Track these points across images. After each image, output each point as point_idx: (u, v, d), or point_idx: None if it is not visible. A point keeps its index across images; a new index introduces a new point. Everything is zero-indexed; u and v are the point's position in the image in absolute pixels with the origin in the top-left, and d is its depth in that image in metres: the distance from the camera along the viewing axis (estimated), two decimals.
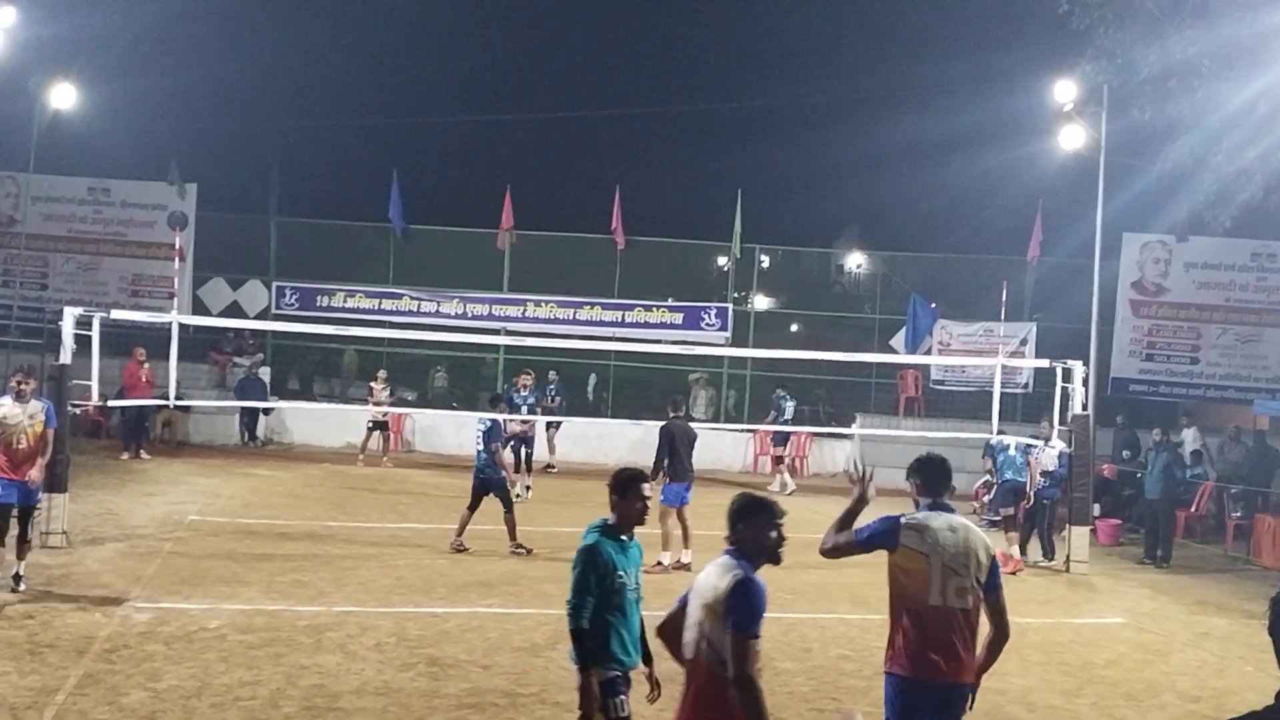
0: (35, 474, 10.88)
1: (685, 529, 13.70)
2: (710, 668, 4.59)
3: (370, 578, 12.19)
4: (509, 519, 14.08)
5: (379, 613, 10.63)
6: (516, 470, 18.86)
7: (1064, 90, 19.51)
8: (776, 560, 4.87)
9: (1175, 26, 18.78)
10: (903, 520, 5.83)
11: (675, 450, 13.74)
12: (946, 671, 5.54)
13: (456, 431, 23.65)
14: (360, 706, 7.92)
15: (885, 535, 5.80)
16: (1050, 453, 16.51)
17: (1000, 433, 17.19)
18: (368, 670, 8.75)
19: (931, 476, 6.12)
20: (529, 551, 13.91)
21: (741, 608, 4.56)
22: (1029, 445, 16.76)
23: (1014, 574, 14.57)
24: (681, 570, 13.49)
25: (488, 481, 14.16)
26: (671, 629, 5.04)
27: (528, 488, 19.30)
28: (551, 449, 22.76)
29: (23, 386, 10.97)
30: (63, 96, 21.49)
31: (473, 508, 14.10)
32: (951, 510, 6.01)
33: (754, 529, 4.85)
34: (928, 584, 5.64)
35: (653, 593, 12.26)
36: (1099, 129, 19.32)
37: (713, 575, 4.74)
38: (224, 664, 8.68)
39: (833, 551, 6.05)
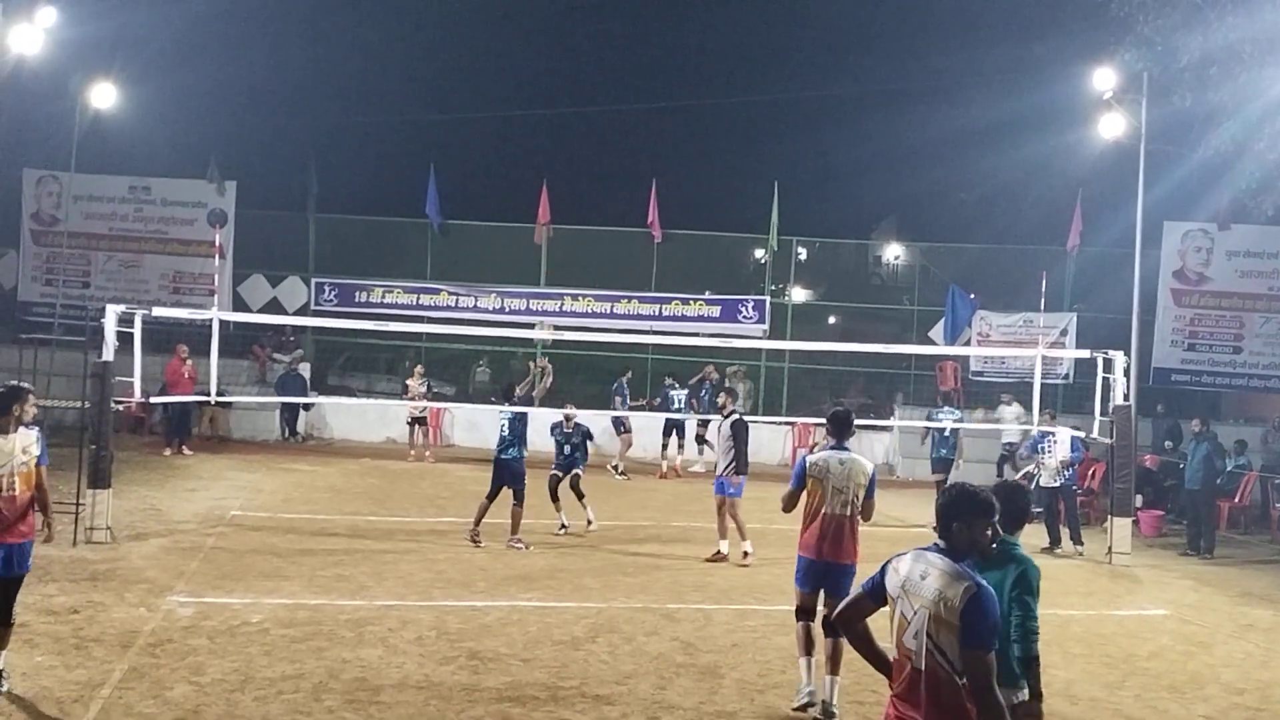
0: (27, 529, 7.93)
1: (739, 522, 13.79)
2: (949, 678, 4.39)
3: (410, 572, 12.25)
4: (516, 511, 14.05)
5: (419, 606, 10.68)
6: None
7: (1103, 78, 19.31)
8: (985, 556, 4.73)
9: (1216, 13, 18.61)
10: (807, 460, 8.73)
11: (745, 444, 13.81)
12: (833, 556, 8.38)
13: (497, 426, 23.66)
14: (401, 700, 7.96)
15: (800, 474, 8.66)
16: (1062, 444, 16.39)
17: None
18: (409, 664, 8.79)
19: (836, 425, 8.82)
20: (527, 547, 13.86)
21: (981, 625, 4.34)
22: (1042, 434, 16.69)
23: None
24: (721, 561, 13.61)
25: (509, 467, 14.16)
26: (858, 615, 4.83)
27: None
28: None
29: (24, 410, 7.97)
30: (103, 96, 21.66)
31: (491, 496, 14.10)
32: (846, 449, 8.70)
33: (969, 528, 4.63)
34: (823, 499, 8.48)
35: (744, 587, 12.29)
36: (1139, 117, 19.12)
37: (937, 582, 4.49)
38: (267, 658, 8.75)
39: (787, 502, 8.75)
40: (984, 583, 4.44)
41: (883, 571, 4.77)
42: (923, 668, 4.45)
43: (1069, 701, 8.80)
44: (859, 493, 8.45)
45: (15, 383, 8.30)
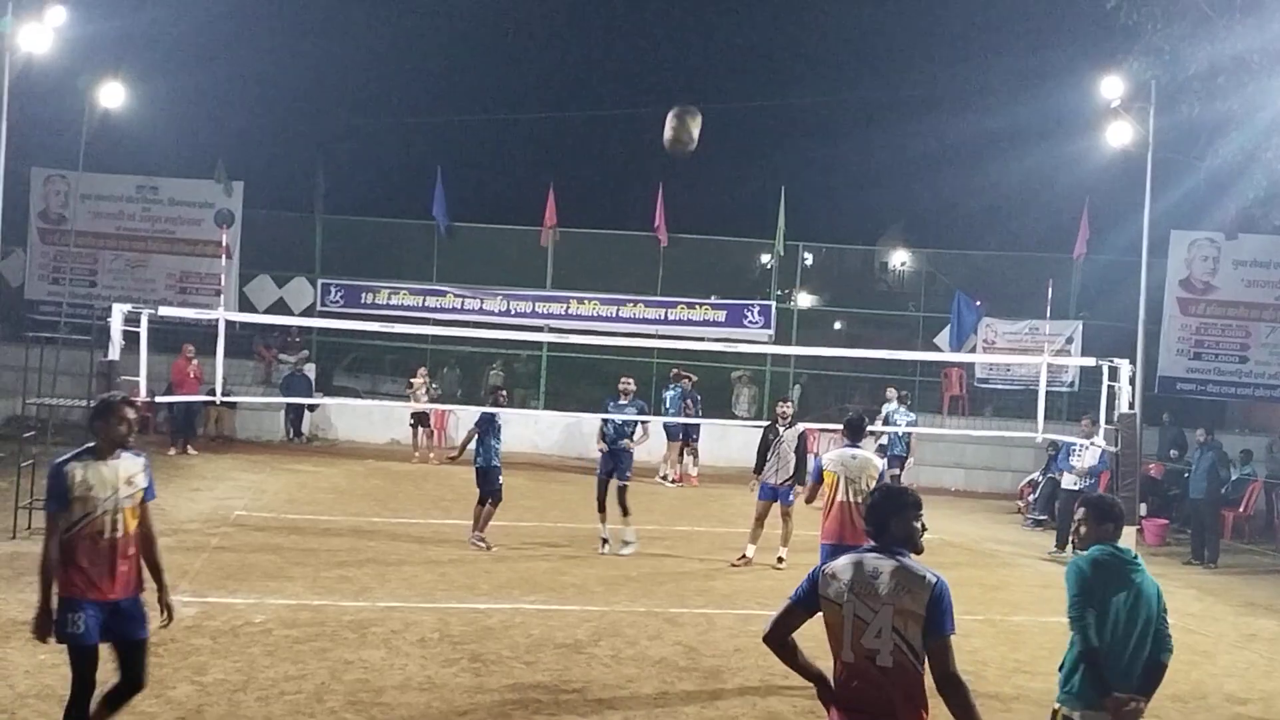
0: (137, 580, 6.35)
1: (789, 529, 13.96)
2: (914, 669, 4.57)
3: (414, 574, 12.26)
4: (487, 511, 14.00)
5: (422, 608, 10.69)
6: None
7: (1111, 86, 19.30)
8: (919, 551, 4.84)
9: (1225, 22, 18.59)
10: (824, 457, 10.28)
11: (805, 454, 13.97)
12: (853, 540, 8.67)
13: (502, 429, 23.70)
14: (404, 701, 7.96)
15: (818, 470, 10.24)
16: (1091, 450, 16.52)
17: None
18: (411, 665, 8.80)
19: (851, 429, 10.54)
20: (489, 548, 13.82)
21: (948, 613, 4.60)
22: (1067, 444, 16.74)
23: None
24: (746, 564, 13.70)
25: (484, 471, 14.04)
26: (790, 628, 4.85)
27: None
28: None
29: (127, 425, 6.27)
30: (112, 95, 21.69)
31: (482, 501, 14.09)
32: (859, 448, 10.25)
33: (904, 523, 4.81)
34: (840, 489, 9.75)
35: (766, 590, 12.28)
36: (1147, 125, 19.12)
37: (893, 579, 4.63)
38: (269, 658, 8.76)
39: (810, 494, 10.52)
40: (938, 574, 4.65)
41: (812, 581, 4.81)
42: (890, 664, 4.57)
43: None
44: (870, 484, 9.54)
45: (112, 393, 7.03)
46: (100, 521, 6.01)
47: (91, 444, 6.19)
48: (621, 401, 15.18)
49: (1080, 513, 5.97)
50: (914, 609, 4.56)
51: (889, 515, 4.82)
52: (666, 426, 21.66)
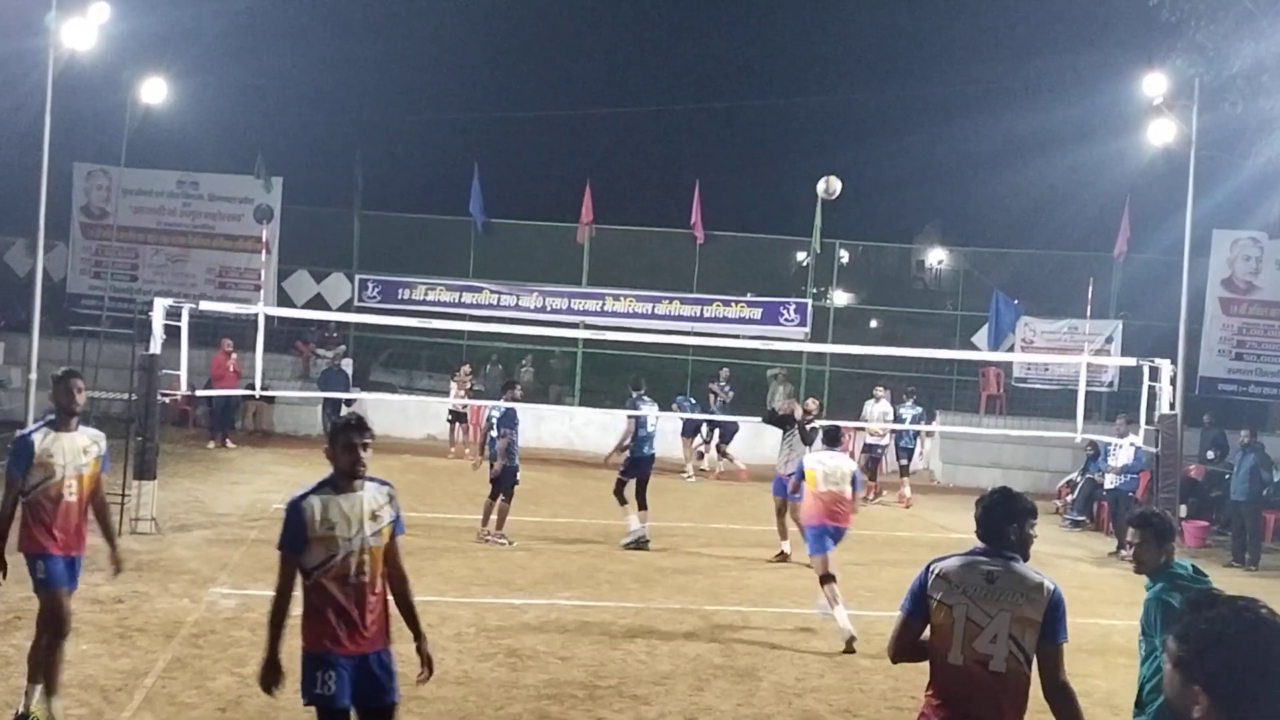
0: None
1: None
2: (1026, 674, 4.58)
3: (449, 568, 12.30)
4: (502, 507, 13.93)
5: (458, 603, 10.72)
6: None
7: (1154, 84, 19.13)
8: (1028, 558, 4.81)
9: (1269, 19, 18.41)
10: (805, 459, 11.59)
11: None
12: (833, 520, 10.83)
13: (535, 425, 23.81)
14: (440, 695, 7.99)
15: (800, 467, 11.50)
16: (1126, 449, 16.47)
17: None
18: (447, 660, 8.82)
19: (829, 436, 11.62)
20: (511, 544, 13.80)
21: (1063, 620, 4.62)
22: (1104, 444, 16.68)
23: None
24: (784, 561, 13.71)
25: (505, 467, 13.98)
26: (912, 642, 4.84)
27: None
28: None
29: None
30: (153, 91, 21.87)
31: (493, 496, 14.04)
32: (835, 452, 11.46)
33: (1022, 528, 4.79)
34: (819, 482, 10.93)
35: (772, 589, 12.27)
36: (1189, 124, 18.94)
37: (1011, 584, 4.61)
38: None
39: (793, 486, 12.02)
40: (1054, 580, 4.66)
41: (921, 584, 4.76)
42: (1003, 670, 4.53)
43: (1111, 711, 8.73)
44: (844, 478, 10.97)
45: (349, 414, 6.54)
46: (347, 562, 5.39)
47: (328, 477, 5.54)
48: (721, 385, 15.60)
49: (1135, 534, 5.68)
50: (1033, 615, 4.53)
51: (1007, 520, 4.76)
52: (685, 422, 21.97)
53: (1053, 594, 4.57)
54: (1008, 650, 4.51)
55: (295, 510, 5.43)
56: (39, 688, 7.00)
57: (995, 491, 4.89)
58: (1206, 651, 2.51)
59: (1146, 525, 5.64)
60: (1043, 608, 4.52)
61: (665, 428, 22.95)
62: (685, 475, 21.88)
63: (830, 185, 16.76)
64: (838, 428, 12.17)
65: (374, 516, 5.45)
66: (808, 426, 13.98)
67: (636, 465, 14.66)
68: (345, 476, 5.45)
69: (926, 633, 4.77)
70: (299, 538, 5.40)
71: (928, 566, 4.78)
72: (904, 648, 4.83)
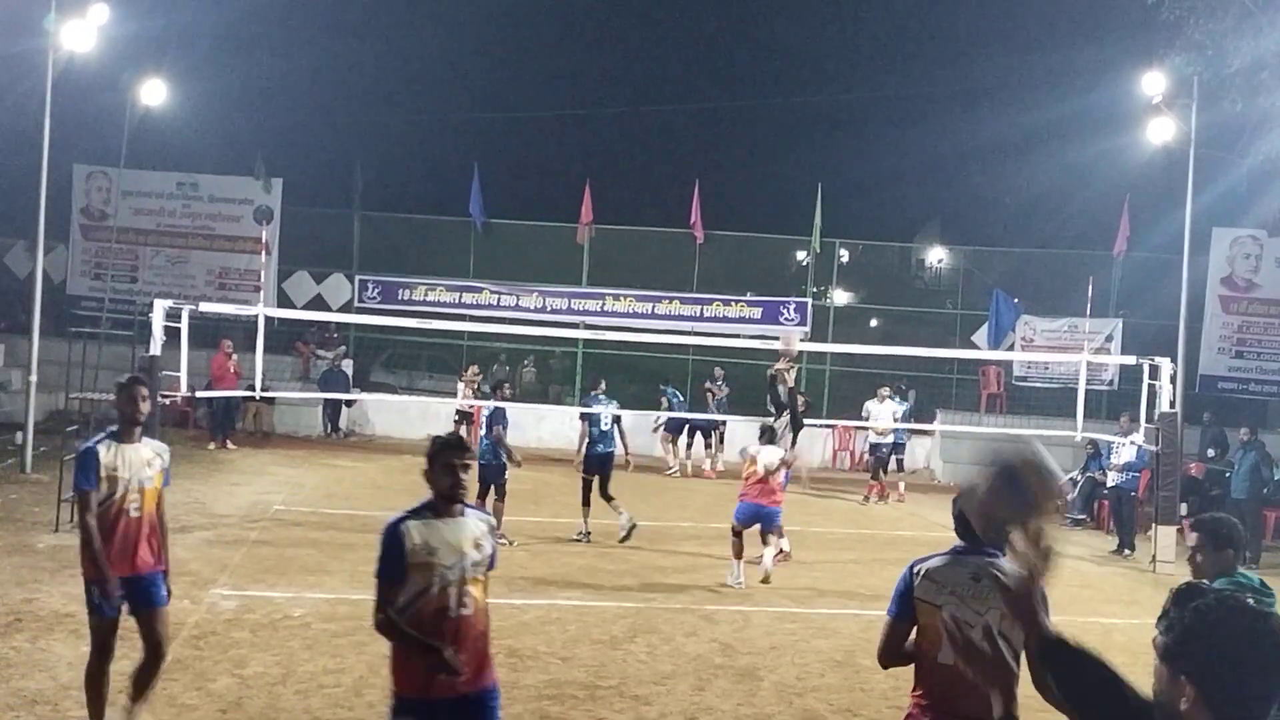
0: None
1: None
2: (1013, 669, 4.54)
3: None
4: (497, 506, 13.76)
5: None
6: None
7: (1153, 82, 19.13)
8: (1004, 553, 4.81)
9: (1268, 17, 18.42)
10: (749, 449, 12.86)
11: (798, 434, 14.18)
12: (760, 501, 12.52)
13: (535, 425, 23.83)
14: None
15: (742, 454, 13.07)
16: (1128, 447, 16.48)
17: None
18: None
19: (768, 436, 12.97)
20: (510, 543, 13.72)
21: (1048, 611, 4.58)
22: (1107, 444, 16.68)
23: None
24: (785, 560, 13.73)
25: (486, 468, 13.74)
26: (900, 643, 4.83)
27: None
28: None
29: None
30: (153, 93, 21.86)
31: (481, 496, 13.80)
32: (771, 445, 12.78)
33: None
34: (756, 468, 12.50)
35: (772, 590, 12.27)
36: (1188, 122, 18.94)
37: (995, 581, 4.52)
38: (308, 652, 8.81)
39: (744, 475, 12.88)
40: None
41: (906, 585, 4.72)
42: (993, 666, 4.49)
43: None
44: (771, 466, 12.50)
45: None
46: (446, 594, 5.04)
47: (428, 500, 5.25)
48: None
49: (1194, 538, 5.48)
50: None
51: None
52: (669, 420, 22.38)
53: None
54: (998, 646, 4.46)
55: (393, 534, 5.09)
56: (137, 704, 6.77)
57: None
58: (1191, 641, 2.53)
59: (1203, 529, 5.45)
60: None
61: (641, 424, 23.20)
62: (670, 470, 22.00)
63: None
64: (774, 428, 13.26)
65: (477, 545, 5.12)
66: (798, 401, 14.09)
67: (591, 463, 14.73)
68: (446, 500, 5.13)
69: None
70: (398, 564, 5.04)
71: (911, 568, 4.75)
72: (893, 651, 4.81)
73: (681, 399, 23.46)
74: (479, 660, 5.12)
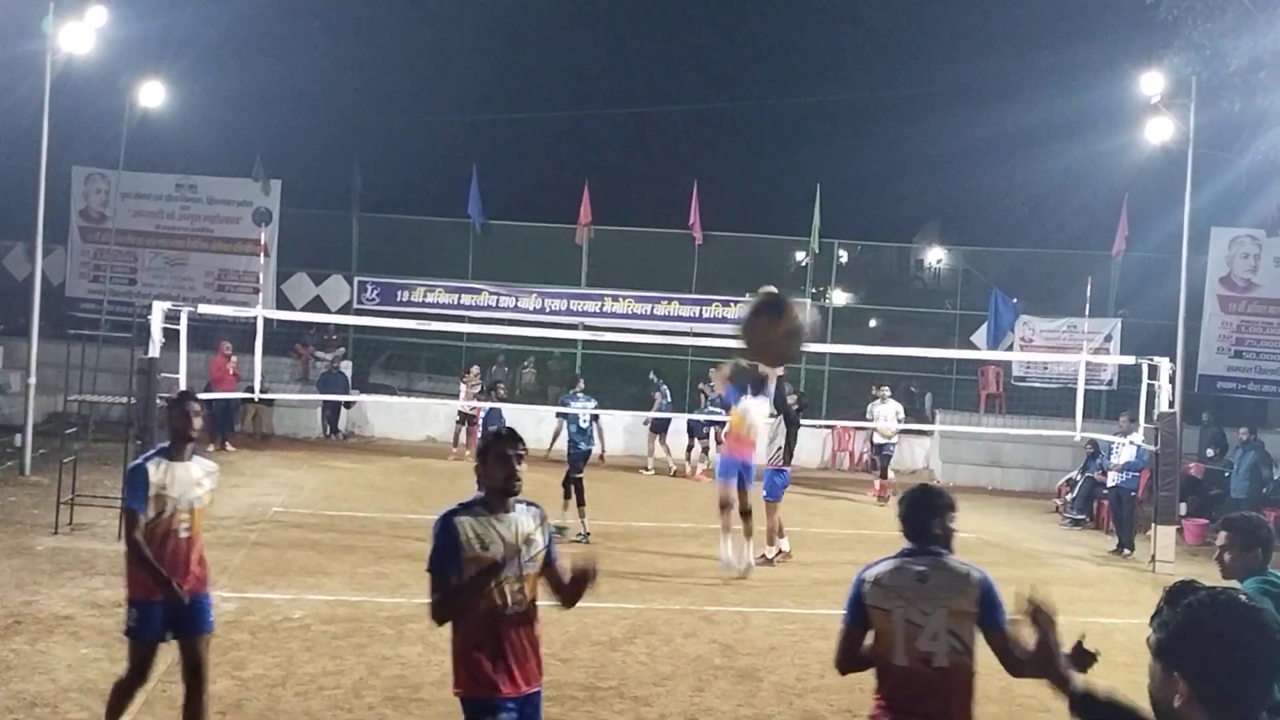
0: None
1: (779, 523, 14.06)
2: (969, 667, 4.63)
3: None
4: None
5: None
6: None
7: (1151, 82, 19.15)
8: (952, 550, 4.85)
9: (1266, 17, 18.44)
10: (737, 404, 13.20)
11: (796, 437, 14.31)
12: (738, 454, 13.09)
13: (535, 425, 23.78)
14: (441, 697, 7.98)
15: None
16: (1128, 447, 16.49)
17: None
18: (448, 662, 8.70)
19: (756, 388, 12.95)
20: None
21: (1000, 603, 4.62)
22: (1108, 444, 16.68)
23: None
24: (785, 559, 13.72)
25: None
26: (856, 650, 4.87)
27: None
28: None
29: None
30: (151, 95, 21.86)
31: None
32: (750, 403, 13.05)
33: (945, 522, 4.81)
34: (741, 423, 13.17)
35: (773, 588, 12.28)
36: (1187, 121, 18.95)
37: (943, 579, 4.66)
38: (308, 653, 8.81)
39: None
40: (980, 568, 4.70)
41: (857, 593, 4.79)
42: (946, 665, 4.58)
43: None
44: (759, 430, 13.10)
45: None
46: (503, 591, 4.87)
47: (479, 495, 5.00)
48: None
49: (1222, 537, 5.41)
50: (967, 607, 4.59)
51: (930, 516, 4.80)
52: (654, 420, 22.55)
53: (982, 581, 4.63)
54: (949, 645, 4.57)
55: (447, 526, 4.83)
56: None
57: (916, 489, 4.96)
58: (1184, 638, 2.57)
59: (1231, 528, 5.40)
60: (975, 598, 4.58)
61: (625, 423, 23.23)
62: (645, 470, 22.22)
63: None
64: (763, 377, 13.14)
65: (528, 541, 4.93)
66: (790, 402, 14.11)
67: (572, 460, 14.81)
68: (500, 494, 4.91)
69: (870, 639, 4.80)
70: (452, 559, 4.78)
71: (860, 576, 4.81)
72: (850, 657, 4.88)
73: (669, 399, 23.47)
74: (537, 659, 5.03)
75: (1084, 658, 4.30)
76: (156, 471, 6.34)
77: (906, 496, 4.93)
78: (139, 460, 6.50)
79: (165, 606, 6.27)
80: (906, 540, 4.82)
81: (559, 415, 15.37)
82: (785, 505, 14.11)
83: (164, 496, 6.31)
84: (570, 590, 5.10)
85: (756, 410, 13.09)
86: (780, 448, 13.81)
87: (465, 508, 4.90)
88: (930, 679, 4.58)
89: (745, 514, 12.91)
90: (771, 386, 13.51)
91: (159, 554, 6.28)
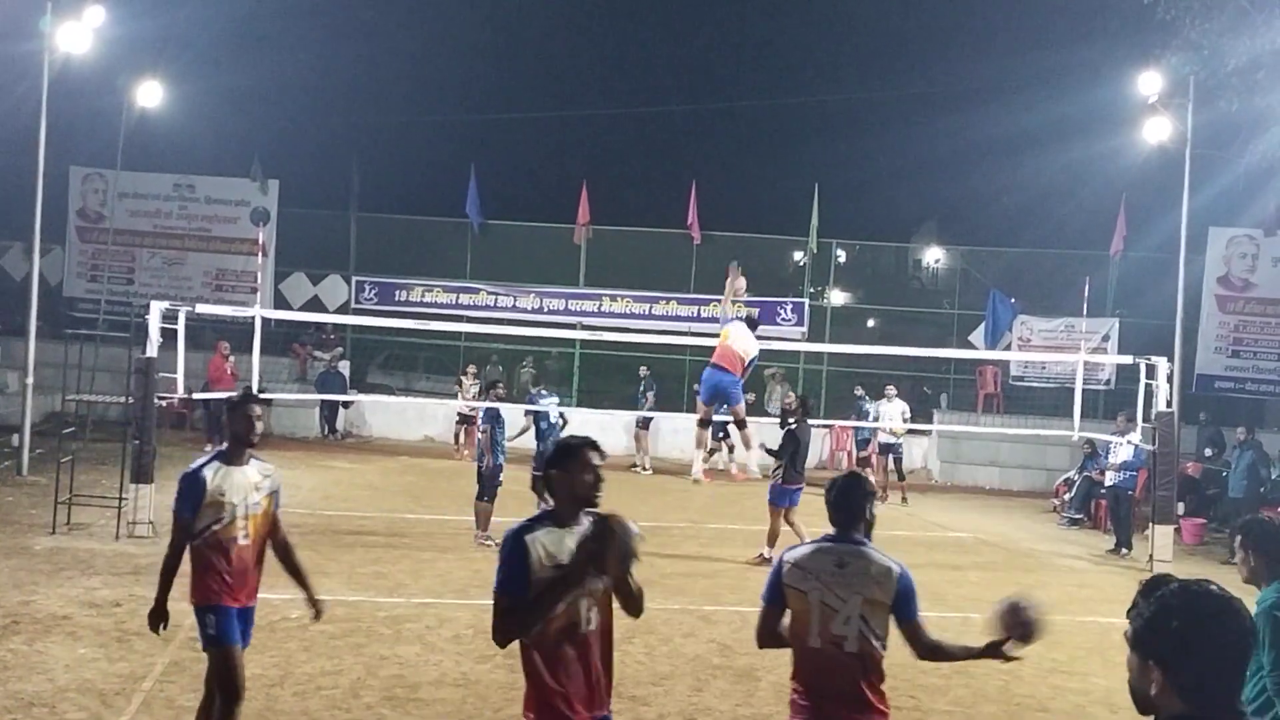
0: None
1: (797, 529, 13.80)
2: (877, 654, 4.75)
3: (448, 570, 12.29)
4: (485, 507, 13.75)
5: (457, 604, 10.71)
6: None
7: (1149, 82, 19.15)
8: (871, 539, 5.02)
9: (1264, 17, 18.45)
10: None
11: (798, 454, 13.81)
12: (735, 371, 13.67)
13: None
14: (439, 697, 7.99)
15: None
16: (1126, 446, 16.51)
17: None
18: (446, 662, 8.83)
19: (751, 324, 14.12)
20: (494, 544, 13.63)
21: (914, 598, 4.77)
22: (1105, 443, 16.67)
23: None
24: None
25: (490, 467, 13.79)
26: (775, 626, 4.99)
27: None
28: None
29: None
30: (149, 94, 21.84)
31: (480, 496, 13.82)
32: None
33: (867, 511, 4.97)
34: (729, 339, 13.84)
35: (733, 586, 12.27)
36: (1185, 121, 18.96)
37: (861, 567, 4.78)
38: (306, 653, 8.80)
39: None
40: (901, 563, 4.84)
41: (776, 574, 4.94)
42: (856, 650, 4.73)
43: (1109, 710, 8.72)
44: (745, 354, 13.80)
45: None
46: (576, 609, 4.62)
47: (546, 510, 4.80)
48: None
49: (1240, 543, 5.31)
50: (882, 599, 4.72)
51: (857, 504, 4.96)
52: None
53: (900, 577, 4.75)
54: (859, 631, 4.70)
55: (518, 544, 4.42)
56: None
57: (844, 476, 5.08)
58: (1157, 628, 2.61)
59: (1250, 534, 5.30)
60: (892, 591, 4.71)
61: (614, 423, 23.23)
62: (644, 470, 22.43)
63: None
64: (755, 319, 14.65)
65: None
66: (790, 420, 14.09)
67: (542, 458, 14.71)
68: (585, 504, 4.60)
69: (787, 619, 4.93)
70: (521, 579, 4.38)
71: (782, 557, 4.99)
72: (767, 634, 5.00)
73: (648, 400, 23.50)
74: (607, 680, 4.66)
75: (995, 652, 4.58)
76: (214, 478, 6.11)
77: (836, 484, 5.05)
78: (195, 466, 6.22)
79: (240, 609, 6.18)
80: (832, 526, 4.95)
81: (527, 414, 15.50)
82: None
83: (221, 503, 6.10)
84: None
85: (739, 332, 13.83)
86: (783, 464, 13.68)
87: (534, 522, 4.55)
88: (842, 662, 4.72)
89: (703, 423, 14.08)
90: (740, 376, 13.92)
91: (226, 561, 6.16)
